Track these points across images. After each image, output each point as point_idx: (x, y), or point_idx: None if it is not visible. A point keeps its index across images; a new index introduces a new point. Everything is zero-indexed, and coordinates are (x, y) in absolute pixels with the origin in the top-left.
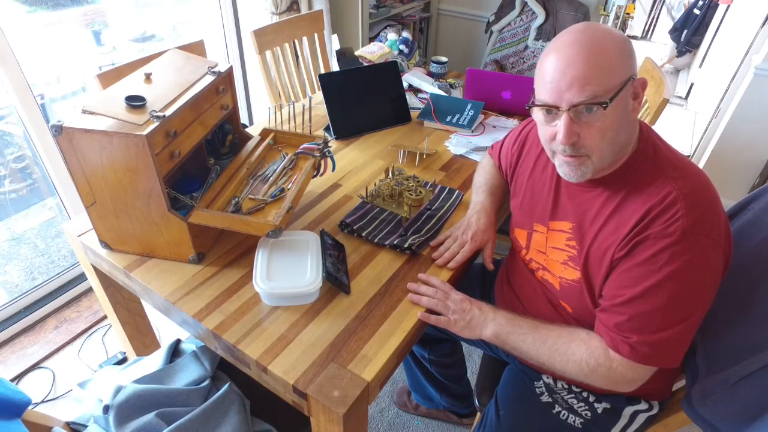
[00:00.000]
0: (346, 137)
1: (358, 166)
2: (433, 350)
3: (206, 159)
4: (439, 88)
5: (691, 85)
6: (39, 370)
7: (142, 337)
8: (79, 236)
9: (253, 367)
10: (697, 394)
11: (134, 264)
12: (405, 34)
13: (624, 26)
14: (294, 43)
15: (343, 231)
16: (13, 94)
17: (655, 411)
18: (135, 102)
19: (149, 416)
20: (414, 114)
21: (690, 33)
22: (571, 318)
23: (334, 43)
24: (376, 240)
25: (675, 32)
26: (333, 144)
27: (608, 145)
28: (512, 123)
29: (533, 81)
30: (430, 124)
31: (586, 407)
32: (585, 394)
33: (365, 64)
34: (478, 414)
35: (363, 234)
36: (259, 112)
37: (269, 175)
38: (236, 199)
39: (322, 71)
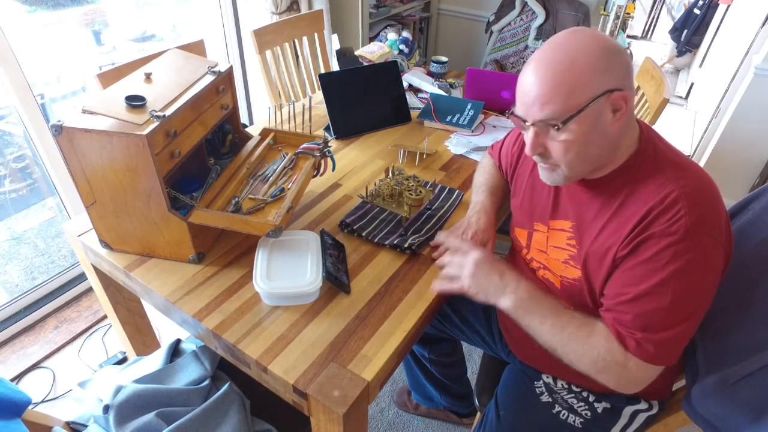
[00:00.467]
0: (346, 137)
1: (358, 165)
2: (433, 349)
3: (206, 159)
4: (439, 87)
5: (691, 84)
6: (39, 369)
7: (142, 337)
8: (79, 236)
9: (253, 366)
10: (697, 394)
11: (134, 264)
12: (405, 33)
13: (624, 26)
14: (294, 42)
15: (343, 231)
16: (13, 94)
17: (655, 411)
18: (135, 102)
19: (149, 416)
20: (414, 114)
21: (690, 33)
22: None
23: (334, 43)
24: (376, 240)
25: (675, 32)
26: (333, 144)
27: (575, 158)
28: (512, 123)
29: None
30: (430, 123)
31: (586, 407)
32: (585, 394)
33: (365, 63)
34: (478, 414)
35: (363, 234)
36: (259, 111)
37: (269, 175)
38: (236, 199)
39: (322, 71)
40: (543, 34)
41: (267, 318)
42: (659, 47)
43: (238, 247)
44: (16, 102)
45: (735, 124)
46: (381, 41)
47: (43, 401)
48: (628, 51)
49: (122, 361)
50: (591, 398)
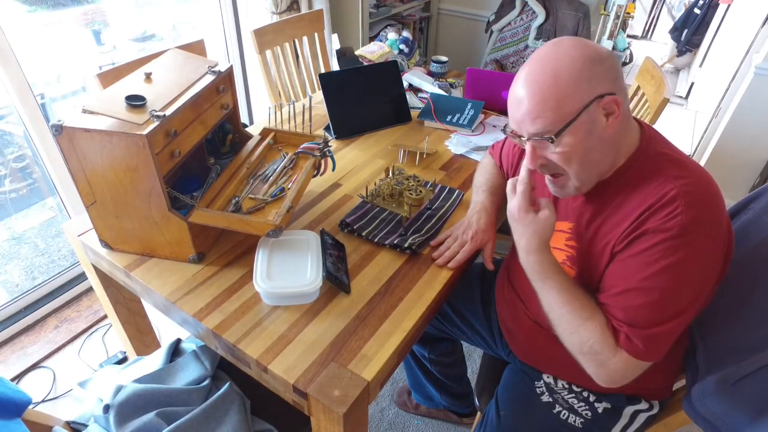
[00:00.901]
0: (346, 137)
1: (358, 165)
2: (433, 349)
3: (206, 158)
4: (440, 87)
5: (692, 84)
6: (39, 369)
7: (142, 337)
8: (79, 236)
9: (253, 366)
10: (697, 394)
11: (134, 263)
12: (405, 33)
13: (624, 26)
14: (294, 42)
15: (343, 230)
16: (13, 94)
17: (655, 411)
18: (135, 101)
19: (149, 416)
20: (414, 113)
21: (690, 32)
22: None
23: (334, 43)
24: (376, 240)
25: (675, 32)
26: (333, 143)
27: (579, 166)
28: None
29: None
30: (431, 123)
31: (587, 407)
32: (585, 394)
33: (365, 63)
34: (479, 414)
35: (363, 233)
36: (259, 111)
37: (269, 175)
38: (236, 199)
39: (322, 71)
40: (543, 33)
41: (267, 318)
42: (659, 47)
43: (238, 247)
44: (16, 102)
45: (735, 124)
46: (381, 41)
47: (43, 401)
48: (628, 51)
49: (122, 360)
50: (591, 398)
